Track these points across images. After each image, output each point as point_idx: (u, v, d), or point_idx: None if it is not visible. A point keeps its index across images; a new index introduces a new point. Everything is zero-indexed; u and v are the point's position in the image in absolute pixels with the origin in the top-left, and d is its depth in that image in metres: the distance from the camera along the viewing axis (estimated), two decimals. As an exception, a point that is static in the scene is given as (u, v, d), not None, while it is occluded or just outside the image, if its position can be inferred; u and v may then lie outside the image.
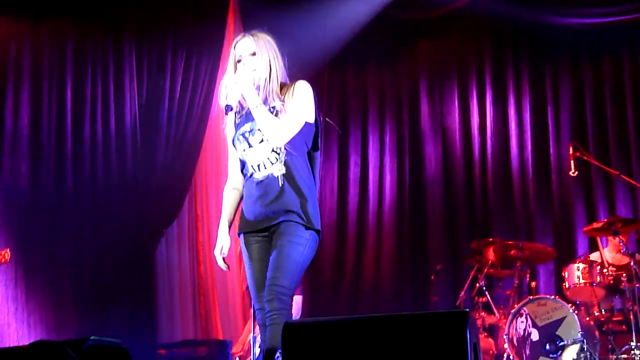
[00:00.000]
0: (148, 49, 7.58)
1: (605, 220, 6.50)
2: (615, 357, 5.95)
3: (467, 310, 2.95)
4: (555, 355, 5.82)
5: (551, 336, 5.89)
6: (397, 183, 8.35)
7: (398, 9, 8.05)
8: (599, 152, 7.69)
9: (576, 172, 6.62)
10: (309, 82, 3.64)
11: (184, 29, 7.65)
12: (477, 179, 8.11)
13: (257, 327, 3.66)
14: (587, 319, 6.13)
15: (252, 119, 3.56)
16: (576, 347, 5.77)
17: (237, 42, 3.65)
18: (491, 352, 6.36)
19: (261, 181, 3.54)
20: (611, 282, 6.20)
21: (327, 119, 7.80)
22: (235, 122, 3.69)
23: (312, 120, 3.59)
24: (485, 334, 6.51)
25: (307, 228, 3.48)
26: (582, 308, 6.33)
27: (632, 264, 6.10)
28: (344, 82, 8.70)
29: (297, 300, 6.34)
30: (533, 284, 6.72)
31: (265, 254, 3.52)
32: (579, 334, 5.78)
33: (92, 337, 3.41)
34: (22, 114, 7.20)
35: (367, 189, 8.42)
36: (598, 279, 6.20)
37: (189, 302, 7.52)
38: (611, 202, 7.66)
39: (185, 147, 7.46)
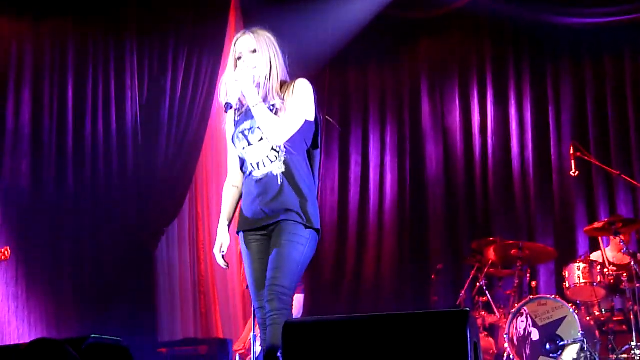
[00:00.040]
0: (149, 48, 7.59)
1: (606, 220, 6.50)
2: (615, 356, 5.95)
3: (468, 309, 2.95)
4: (555, 355, 5.82)
5: (551, 336, 5.89)
6: (397, 182, 8.35)
7: (399, 8, 8.05)
8: (599, 151, 7.69)
9: (577, 172, 6.62)
10: (310, 81, 3.62)
11: (185, 28, 7.65)
12: (478, 179, 8.11)
13: (258, 326, 3.66)
14: (588, 318, 6.13)
15: (252, 117, 3.53)
16: (576, 346, 5.77)
17: (237, 39, 3.63)
18: (491, 351, 6.36)
19: (260, 179, 3.52)
20: (611, 282, 6.20)
21: (327, 116, 7.80)
22: (234, 120, 3.67)
23: (312, 118, 3.57)
24: (486, 333, 6.51)
25: (306, 227, 3.46)
26: (583, 308, 6.33)
27: (632, 263, 6.10)
28: (344, 81, 8.70)
29: (299, 298, 6.34)
30: (533, 283, 6.72)
31: (264, 253, 3.51)
32: (580, 334, 5.78)
33: (92, 335, 3.41)
34: (23, 113, 7.20)
35: (368, 188, 8.42)
36: (598, 278, 6.19)
37: (190, 301, 7.52)
38: (612, 202, 7.66)
39: (186, 146, 7.46)
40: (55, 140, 7.25)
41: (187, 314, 7.50)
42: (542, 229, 7.82)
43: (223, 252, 3.65)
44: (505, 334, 6.05)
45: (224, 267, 3.67)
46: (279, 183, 3.48)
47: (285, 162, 3.50)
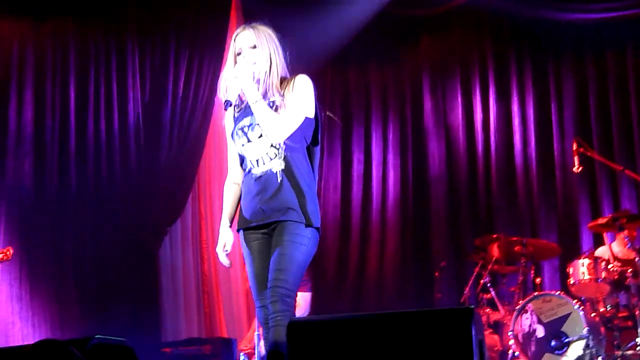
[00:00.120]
0: (151, 47, 7.58)
1: (610, 215, 6.49)
2: (621, 353, 5.94)
3: (473, 307, 2.94)
4: (560, 352, 5.81)
5: (556, 332, 5.88)
6: (400, 180, 8.35)
7: (400, 6, 8.05)
8: (602, 147, 7.67)
9: (581, 168, 6.60)
10: (311, 79, 3.58)
11: (187, 27, 7.64)
12: (481, 176, 8.10)
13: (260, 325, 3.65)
14: (593, 315, 6.12)
15: (252, 113, 3.50)
16: (582, 343, 5.76)
17: (237, 35, 3.59)
18: (496, 348, 6.35)
19: (260, 177, 3.49)
20: (616, 277, 6.19)
21: (328, 113, 7.80)
22: (234, 116, 3.64)
23: (312, 115, 3.53)
24: (490, 330, 6.50)
25: (306, 226, 3.43)
26: (588, 304, 6.31)
27: (637, 259, 6.08)
28: (346, 79, 8.69)
29: (306, 297, 6.33)
30: (538, 280, 6.71)
31: (265, 252, 3.48)
32: (585, 330, 5.77)
33: (97, 336, 3.40)
34: (26, 113, 7.20)
35: (371, 186, 8.42)
36: (603, 274, 6.18)
37: (193, 301, 7.52)
38: (615, 197, 7.65)
39: (188, 146, 7.45)
40: (58, 140, 7.25)
41: (191, 313, 7.49)
42: (546, 225, 7.81)
43: (227, 250, 3.63)
44: (510, 331, 6.04)
45: (227, 265, 3.66)
46: (279, 181, 3.45)
47: (285, 159, 3.47)
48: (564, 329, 5.87)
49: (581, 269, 6.23)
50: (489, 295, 6.68)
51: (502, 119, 8.16)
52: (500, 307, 6.60)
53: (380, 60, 8.65)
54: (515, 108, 8.14)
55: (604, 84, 7.93)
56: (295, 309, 3.42)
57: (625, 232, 6.27)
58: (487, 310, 6.61)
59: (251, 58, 3.52)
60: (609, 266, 6.20)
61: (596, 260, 6.25)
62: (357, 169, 8.50)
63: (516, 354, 5.97)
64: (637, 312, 5.95)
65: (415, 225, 8.23)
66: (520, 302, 6.13)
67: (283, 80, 3.57)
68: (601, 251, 6.63)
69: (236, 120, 3.62)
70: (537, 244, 6.71)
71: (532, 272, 6.78)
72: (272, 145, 3.49)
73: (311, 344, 2.99)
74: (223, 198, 3.72)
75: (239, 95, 3.53)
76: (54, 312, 6.93)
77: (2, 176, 7.04)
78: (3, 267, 6.58)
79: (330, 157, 8.46)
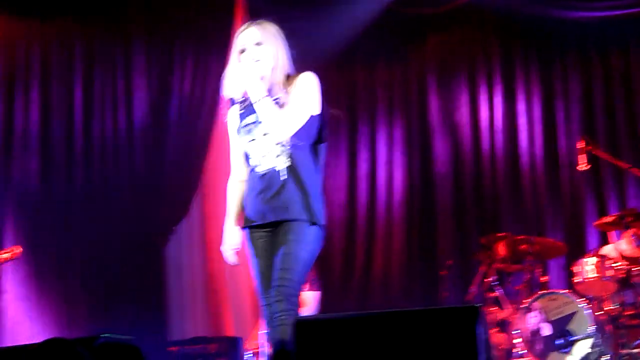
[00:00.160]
0: (156, 47, 7.60)
1: (617, 214, 6.47)
2: (627, 351, 5.92)
3: (479, 305, 2.94)
4: (566, 350, 5.80)
5: (563, 331, 5.87)
6: (406, 179, 8.34)
7: (406, 4, 8.04)
8: (609, 145, 7.65)
9: (587, 167, 6.59)
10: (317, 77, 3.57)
11: (192, 26, 7.66)
12: (487, 174, 8.09)
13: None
14: (599, 313, 6.11)
15: (256, 111, 3.48)
16: (588, 341, 5.75)
17: (241, 31, 3.56)
18: (502, 347, 6.34)
19: (264, 174, 3.48)
20: (623, 276, 6.17)
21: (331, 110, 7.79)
22: (239, 113, 3.62)
23: (317, 112, 3.51)
24: (497, 329, 6.49)
25: (311, 224, 3.42)
26: (594, 302, 6.30)
27: (643, 258, 6.08)
28: (352, 78, 8.69)
29: (315, 295, 6.34)
30: (544, 278, 6.69)
31: (270, 250, 3.48)
32: (591, 329, 5.76)
33: (103, 335, 3.41)
34: (32, 113, 7.23)
35: (377, 185, 8.41)
36: (609, 273, 6.16)
37: (200, 299, 7.53)
38: (622, 195, 7.63)
39: (194, 145, 7.47)
40: (65, 139, 7.27)
41: (197, 312, 7.51)
42: (552, 224, 7.79)
43: (237, 248, 3.63)
44: (516, 330, 6.04)
45: (235, 263, 3.66)
46: (282, 179, 3.43)
47: (290, 157, 3.45)
48: (570, 327, 5.86)
49: (587, 267, 6.21)
50: (495, 294, 6.67)
51: (508, 117, 8.15)
52: (506, 306, 6.59)
53: (386, 59, 8.64)
54: (521, 106, 8.13)
55: (610, 81, 7.91)
56: (300, 307, 3.42)
57: (632, 230, 6.25)
58: (493, 308, 6.61)
59: (256, 55, 3.48)
60: (616, 265, 6.19)
61: (602, 258, 6.23)
62: (363, 167, 8.49)
63: (522, 352, 5.97)
64: (643, 311, 5.94)
65: (421, 224, 8.22)
66: (526, 300, 6.12)
67: (288, 77, 3.54)
68: (607, 249, 6.61)
69: (241, 117, 3.59)
70: (543, 243, 6.69)
71: (539, 270, 6.77)
72: (276, 143, 3.47)
73: (318, 343, 2.99)
74: (227, 197, 3.71)
75: (243, 93, 3.52)
76: (61, 310, 6.96)
77: (9, 176, 7.07)
78: (11, 266, 6.60)
79: (336, 156, 8.45)
